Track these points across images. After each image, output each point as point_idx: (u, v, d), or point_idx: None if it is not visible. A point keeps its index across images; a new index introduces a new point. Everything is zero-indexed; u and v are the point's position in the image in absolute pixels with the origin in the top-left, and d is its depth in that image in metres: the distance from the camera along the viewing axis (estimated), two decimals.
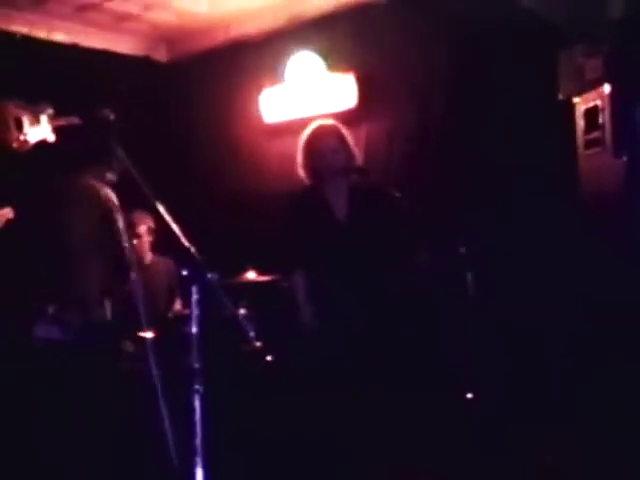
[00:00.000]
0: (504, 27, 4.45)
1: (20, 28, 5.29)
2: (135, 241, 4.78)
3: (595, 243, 3.93)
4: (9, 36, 5.23)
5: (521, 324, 4.29)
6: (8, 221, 4.50)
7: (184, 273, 2.61)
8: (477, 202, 4.52)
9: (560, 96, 4.12)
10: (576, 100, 4.07)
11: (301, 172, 3.99)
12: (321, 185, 3.95)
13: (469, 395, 3.95)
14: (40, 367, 3.24)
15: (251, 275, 4.74)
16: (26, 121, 5.04)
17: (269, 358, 4.08)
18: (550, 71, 4.16)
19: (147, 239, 4.96)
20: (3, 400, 3.35)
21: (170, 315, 4.69)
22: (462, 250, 3.54)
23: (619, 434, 3.65)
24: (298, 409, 3.70)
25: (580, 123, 4.04)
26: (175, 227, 2.94)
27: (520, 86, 4.42)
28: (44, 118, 5.29)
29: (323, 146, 3.89)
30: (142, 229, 4.89)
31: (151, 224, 4.88)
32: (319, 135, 3.93)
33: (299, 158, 3.97)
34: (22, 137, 5.08)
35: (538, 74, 4.32)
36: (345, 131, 3.96)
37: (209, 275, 2.61)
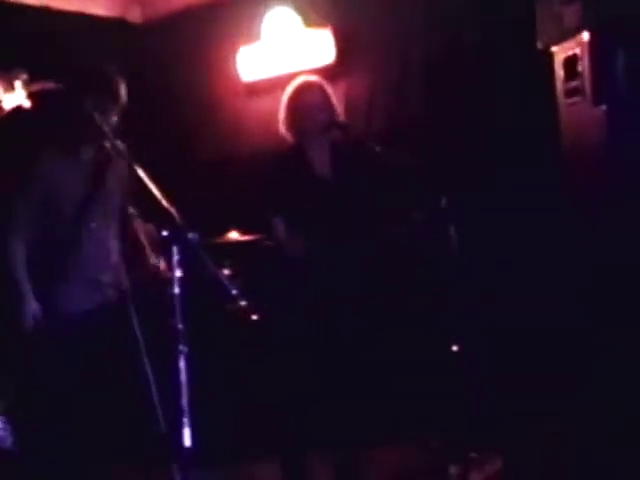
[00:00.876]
0: None
1: None
2: None
3: (576, 192, 3.93)
4: None
5: (504, 277, 4.30)
6: None
7: (164, 234, 2.59)
8: (458, 155, 4.50)
9: (539, 45, 4.09)
10: (555, 49, 4.04)
11: (283, 129, 3.94)
12: (304, 142, 3.91)
13: (454, 348, 3.98)
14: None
15: (234, 235, 4.72)
16: (0, 88, 4.99)
17: (254, 317, 4.07)
18: (528, 20, 4.13)
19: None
20: None
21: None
22: (443, 203, 3.54)
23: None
24: (285, 368, 3.70)
25: (559, 72, 4.01)
26: (154, 189, 2.91)
27: (498, 35, 4.39)
28: (18, 84, 5.23)
29: (307, 102, 3.85)
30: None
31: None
32: (303, 91, 3.88)
33: (282, 114, 3.92)
34: None
35: (516, 23, 4.28)
36: (328, 87, 3.92)
37: (190, 235, 2.60)
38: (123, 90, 3.36)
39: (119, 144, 3.22)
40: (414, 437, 4.24)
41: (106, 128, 3.19)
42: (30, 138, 5.09)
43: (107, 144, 3.22)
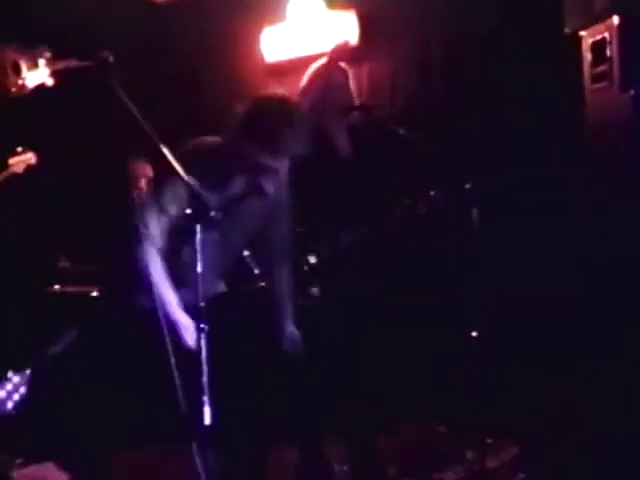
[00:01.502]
0: None
1: None
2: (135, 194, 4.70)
3: (601, 178, 3.89)
4: None
5: (527, 261, 4.28)
6: (29, 167, 4.49)
7: (187, 212, 2.59)
8: (482, 138, 4.47)
9: (566, 29, 4.05)
10: (583, 33, 3.99)
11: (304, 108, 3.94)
12: (324, 123, 3.91)
13: (474, 333, 3.97)
14: None
15: None
16: (24, 65, 4.99)
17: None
18: (555, 2, 4.08)
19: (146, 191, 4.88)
20: None
21: None
22: (468, 186, 3.52)
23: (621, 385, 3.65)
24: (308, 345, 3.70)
25: (587, 56, 3.97)
26: (181, 171, 2.91)
27: (525, 19, 4.35)
28: (42, 62, 5.22)
29: (330, 82, 3.86)
30: (143, 182, 4.78)
31: (151, 174, 4.80)
32: (324, 72, 3.89)
33: (304, 93, 3.93)
34: (20, 81, 5.02)
35: (543, 5, 4.24)
36: (349, 70, 3.93)
37: (213, 213, 2.59)
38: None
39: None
40: (424, 422, 4.25)
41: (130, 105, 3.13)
42: (54, 116, 5.14)
43: None
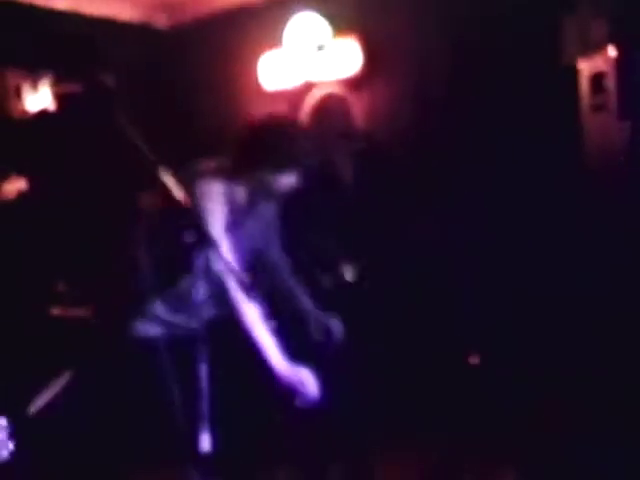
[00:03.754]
0: None
1: None
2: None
3: (598, 207, 3.92)
4: (9, 4, 5.19)
5: (527, 287, 4.29)
6: (20, 193, 4.49)
7: (189, 240, 2.59)
8: (480, 165, 4.50)
9: (563, 60, 4.09)
10: (580, 64, 4.03)
11: None
12: (325, 151, 3.95)
13: (474, 360, 3.98)
14: None
15: None
16: (26, 89, 5.00)
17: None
18: (552, 33, 4.13)
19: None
20: None
21: None
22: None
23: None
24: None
25: (584, 87, 4.00)
26: (178, 192, 2.92)
27: (523, 49, 4.39)
28: (44, 86, 5.26)
29: (328, 111, 3.89)
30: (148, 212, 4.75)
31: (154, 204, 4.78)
32: (326, 100, 3.93)
33: (304, 121, 3.97)
34: (21, 105, 5.06)
35: (540, 36, 4.28)
36: (350, 99, 3.97)
37: (213, 240, 2.60)
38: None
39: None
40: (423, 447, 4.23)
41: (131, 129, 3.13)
42: (56, 140, 5.15)
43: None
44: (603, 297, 3.83)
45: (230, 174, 3.10)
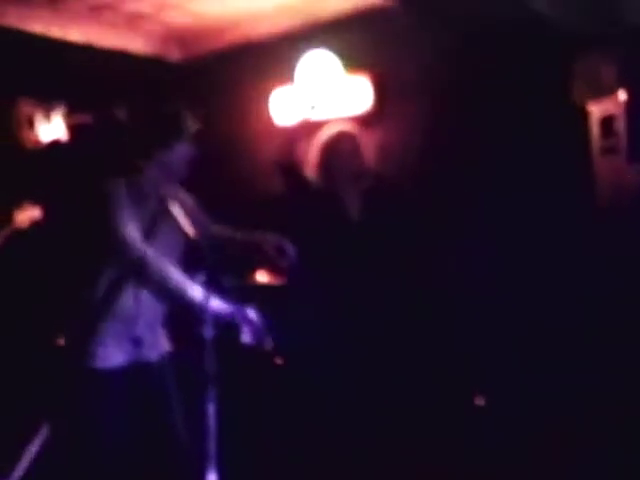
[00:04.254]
0: (518, 30, 4.43)
1: (35, 27, 5.31)
2: None
3: (609, 247, 3.93)
4: (24, 35, 5.25)
5: (536, 326, 4.27)
6: (34, 222, 4.52)
7: (200, 277, 2.61)
8: (491, 203, 4.50)
9: (574, 102, 4.12)
10: (591, 107, 4.06)
11: (314, 173, 4.01)
12: (334, 188, 3.97)
13: (479, 401, 3.96)
14: None
15: (262, 277, 4.73)
16: (38, 119, 5.04)
17: (279, 361, 4.08)
18: (563, 75, 4.16)
19: None
20: None
21: None
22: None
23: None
24: (310, 412, 3.70)
25: (595, 130, 4.03)
26: (188, 227, 2.94)
27: (533, 90, 4.41)
28: (57, 117, 5.30)
29: (339, 149, 3.92)
30: None
31: None
32: (336, 140, 3.96)
33: (313, 160, 3.99)
34: (34, 135, 5.10)
35: (551, 78, 4.31)
36: (361, 137, 3.99)
37: (224, 279, 2.62)
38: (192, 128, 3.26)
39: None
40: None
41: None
42: (67, 171, 5.18)
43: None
44: (615, 333, 3.83)
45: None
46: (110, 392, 2.97)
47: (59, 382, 3.09)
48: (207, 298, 2.68)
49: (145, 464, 2.92)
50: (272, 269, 3.61)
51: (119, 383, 2.99)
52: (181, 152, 3.15)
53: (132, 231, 2.90)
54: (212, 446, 2.55)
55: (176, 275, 2.91)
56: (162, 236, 3.03)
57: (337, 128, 4.04)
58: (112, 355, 3.00)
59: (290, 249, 3.29)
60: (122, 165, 3.16)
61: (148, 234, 2.97)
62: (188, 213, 3.10)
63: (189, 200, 3.33)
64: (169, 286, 2.89)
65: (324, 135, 4.01)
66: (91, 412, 2.96)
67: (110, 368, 2.99)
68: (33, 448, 3.56)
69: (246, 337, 2.98)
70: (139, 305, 2.98)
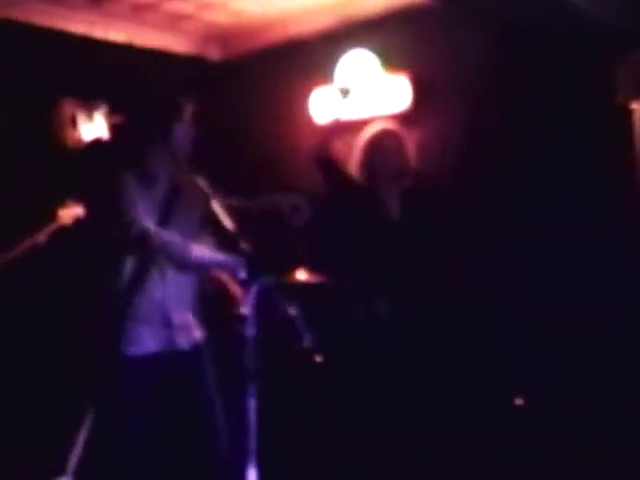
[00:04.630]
0: (558, 28, 4.39)
1: (78, 28, 5.38)
2: None
3: None
4: (67, 36, 5.33)
5: (574, 325, 4.23)
6: (77, 220, 4.59)
7: (241, 276, 2.63)
8: (531, 202, 4.46)
9: (617, 100, 4.07)
10: (634, 105, 4.02)
11: (356, 172, 4.02)
12: (376, 186, 3.97)
13: (519, 401, 3.93)
14: None
15: (301, 275, 4.74)
16: (81, 119, 5.11)
17: (318, 358, 4.08)
18: (606, 74, 4.11)
19: None
20: None
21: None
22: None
23: None
24: (348, 410, 3.70)
25: (638, 129, 3.98)
26: (231, 226, 2.97)
27: (574, 88, 4.37)
28: (99, 116, 5.37)
29: (383, 149, 3.92)
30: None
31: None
32: (380, 138, 3.96)
33: (357, 158, 4.00)
34: (77, 135, 5.16)
35: (593, 76, 4.27)
36: (404, 135, 3.99)
37: (266, 278, 2.63)
38: (188, 111, 3.39)
39: (196, 178, 3.26)
40: None
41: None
42: (109, 170, 5.24)
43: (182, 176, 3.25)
44: None
45: None
46: (143, 379, 3.05)
47: (95, 369, 3.15)
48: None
49: (183, 456, 2.94)
50: (288, 231, 3.63)
51: (152, 370, 3.06)
52: (181, 133, 3.29)
53: (141, 211, 3.08)
54: (252, 442, 2.56)
55: (177, 239, 3.10)
56: (178, 214, 3.21)
57: (381, 126, 4.04)
58: (144, 340, 3.09)
59: (306, 207, 3.41)
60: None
61: (164, 213, 3.17)
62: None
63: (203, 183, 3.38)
64: (171, 251, 3.08)
65: (368, 133, 4.01)
66: (124, 399, 3.04)
67: (143, 355, 3.07)
68: (79, 437, 3.60)
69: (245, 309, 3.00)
70: (166, 287, 3.13)
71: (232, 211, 3.28)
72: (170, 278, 3.16)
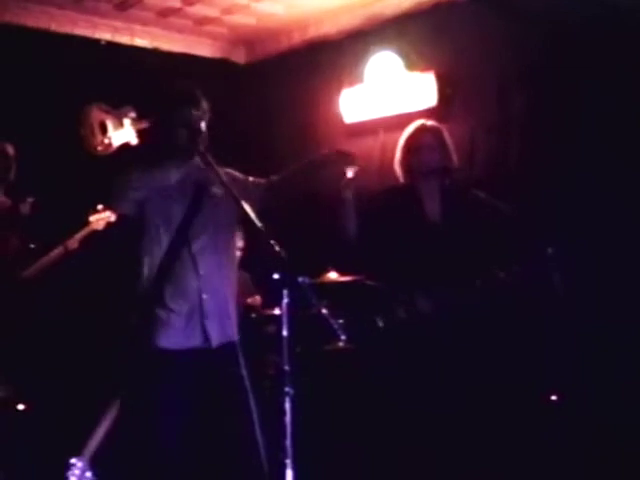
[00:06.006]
0: (587, 22, 4.35)
1: (104, 34, 5.42)
2: None
3: None
4: (94, 42, 5.37)
5: (610, 325, 4.18)
6: (109, 224, 4.63)
7: (275, 277, 2.62)
8: (562, 202, 4.41)
9: None
10: None
11: (397, 169, 4.00)
12: (416, 183, 3.95)
13: (553, 397, 3.89)
14: None
15: (333, 275, 4.75)
16: (110, 125, 5.14)
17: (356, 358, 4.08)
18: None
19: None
20: None
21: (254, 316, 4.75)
22: (549, 251, 3.48)
23: None
24: (383, 411, 3.68)
25: None
26: (262, 227, 2.96)
27: (606, 82, 4.31)
28: (127, 121, 5.39)
29: (423, 144, 3.90)
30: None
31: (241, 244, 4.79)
32: (420, 133, 3.94)
33: (398, 154, 3.99)
34: (106, 140, 5.18)
35: (625, 70, 4.21)
36: (445, 132, 3.96)
37: (300, 279, 2.63)
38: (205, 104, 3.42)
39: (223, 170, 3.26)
40: None
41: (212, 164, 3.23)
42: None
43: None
44: None
45: None
46: (174, 373, 3.04)
47: (128, 361, 3.16)
48: None
49: (219, 457, 2.94)
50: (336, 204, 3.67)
51: (184, 366, 3.05)
52: (198, 120, 3.32)
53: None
54: (289, 442, 2.56)
55: None
56: (202, 213, 3.23)
57: (420, 122, 4.01)
58: (177, 335, 3.08)
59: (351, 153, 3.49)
60: None
61: (189, 211, 3.22)
62: (240, 189, 3.15)
63: (237, 175, 3.42)
64: None
65: (408, 128, 3.98)
66: (152, 393, 3.04)
67: (175, 349, 3.06)
68: (101, 423, 3.63)
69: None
70: (200, 283, 3.12)
71: (268, 195, 3.37)
72: (206, 276, 3.14)
